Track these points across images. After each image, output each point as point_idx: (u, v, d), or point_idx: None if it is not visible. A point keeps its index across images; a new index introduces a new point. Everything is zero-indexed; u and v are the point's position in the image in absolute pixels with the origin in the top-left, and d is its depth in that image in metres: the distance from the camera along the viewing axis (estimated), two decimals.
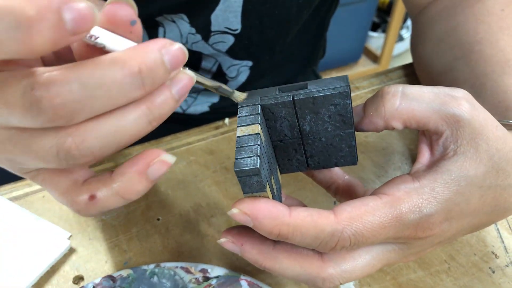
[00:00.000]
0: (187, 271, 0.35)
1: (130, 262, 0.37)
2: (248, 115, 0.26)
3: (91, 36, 0.20)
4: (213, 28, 0.51)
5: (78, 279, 0.36)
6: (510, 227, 0.40)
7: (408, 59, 0.54)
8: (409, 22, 1.93)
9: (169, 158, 0.23)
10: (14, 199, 0.41)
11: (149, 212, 0.41)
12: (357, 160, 0.29)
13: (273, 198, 0.26)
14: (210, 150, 0.46)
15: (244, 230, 0.27)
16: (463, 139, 0.26)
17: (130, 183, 0.23)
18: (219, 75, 0.58)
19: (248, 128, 0.25)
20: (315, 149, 0.28)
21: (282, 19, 0.53)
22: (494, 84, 0.37)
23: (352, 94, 0.53)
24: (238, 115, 0.26)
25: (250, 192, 0.24)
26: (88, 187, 0.24)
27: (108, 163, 0.45)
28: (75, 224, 0.40)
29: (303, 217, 0.24)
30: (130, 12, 0.20)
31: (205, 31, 0.51)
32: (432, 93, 0.26)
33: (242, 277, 0.35)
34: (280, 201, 0.30)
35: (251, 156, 0.24)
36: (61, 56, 0.25)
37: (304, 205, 0.32)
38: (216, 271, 0.35)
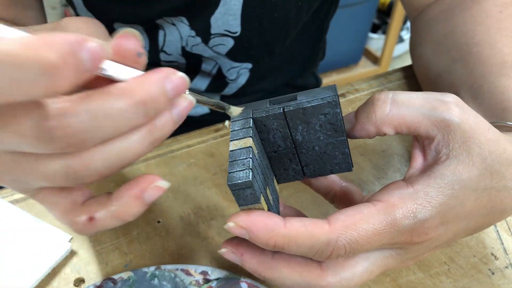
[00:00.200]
0: (188, 273, 0.36)
1: (131, 264, 0.38)
2: (240, 129, 0.27)
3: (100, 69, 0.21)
4: (212, 31, 0.51)
5: (79, 281, 0.37)
6: (509, 229, 0.40)
7: (409, 61, 0.54)
8: (409, 24, 1.93)
9: (164, 184, 0.24)
10: (15, 202, 0.41)
11: (150, 214, 0.41)
12: (352, 166, 0.29)
13: (269, 209, 0.27)
14: (210, 153, 0.47)
15: (243, 241, 0.27)
16: (455, 142, 0.26)
17: (126, 206, 0.24)
18: (219, 77, 0.59)
19: (240, 141, 0.26)
20: (310, 158, 0.29)
21: (282, 21, 0.53)
22: (492, 85, 0.37)
23: (352, 97, 0.53)
24: (230, 129, 0.27)
25: (245, 205, 0.25)
26: (87, 209, 0.25)
27: None
28: None
29: (297, 228, 0.25)
30: (136, 44, 0.21)
31: (205, 33, 0.52)
32: (422, 98, 0.27)
33: (242, 279, 0.35)
34: (278, 211, 0.30)
35: (243, 170, 0.24)
36: None
37: (303, 214, 0.32)
38: (216, 273, 0.36)
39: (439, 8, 0.47)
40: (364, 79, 0.55)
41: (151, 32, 0.53)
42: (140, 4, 0.50)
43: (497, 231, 0.40)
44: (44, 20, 0.53)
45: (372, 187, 0.44)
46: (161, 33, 0.53)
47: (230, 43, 0.53)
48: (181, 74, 0.22)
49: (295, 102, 0.27)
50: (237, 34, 0.52)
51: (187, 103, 0.23)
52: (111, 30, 0.53)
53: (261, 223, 0.25)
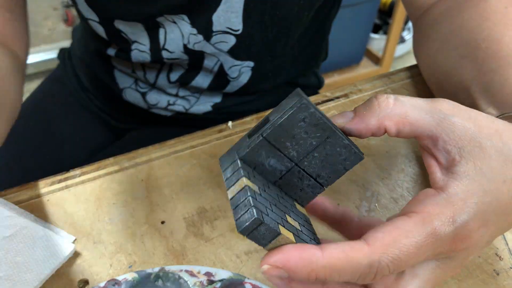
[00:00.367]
0: (192, 274, 0.36)
1: (135, 265, 0.38)
2: (232, 174, 0.26)
3: None
4: (214, 28, 0.51)
5: (83, 282, 0.36)
6: None
7: (410, 61, 0.54)
8: (410, 24, 1.93)
9: None
10: (19, 203, 0.41)
11: (153, 215, 0.41)
12: (362, 154, 0.28)
13: (298, 235, 0.25)
14: (214, 154, 0.47)
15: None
16: (463, 140, 0.26)
17: None
18: (221, 75, 0.59)
19: (235, 186, 0.25)
20: (316, 167, 0.28)
21: (283, 19, 0.53)
22: (502, 78, 0.37)
23: (355, 97, 0.53)
24: (224, 178, 0.26)
25: (269, 243, 0.24)
26: None
27: (112, 166, 0.45)
28: (79, 228, 0.40)
29: (336, 255, 0.23)
30: None
31: (206, 31, 0.52)
32: (423, 100, 0.27)
33: (246, 280, 0.35)
34: (312, 232, 0.29)
35: (247, 211, 0.23)
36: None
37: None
38: (221, 274, 0.36)
39: (444, 6, 0.47)
40: (368, 79, 0.55)
41: (151, 30, 0.53)
42: (141, 1, 0.50)
43: None
44: (25, 35, 0.52)
45: (376, 187, 0.44)
46: (161, 31, 0.53)
47: (232, 40, 0.53)
48: None
49: (270, 123, 0.26)
50: (239, 32, 0.52)
51: None
52: (112, 28, 0.53)
53: (296, 258, 0.23)
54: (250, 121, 0.50)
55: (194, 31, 0.52)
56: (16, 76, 0.47)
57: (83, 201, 0.42)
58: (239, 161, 0.26)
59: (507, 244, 0.39)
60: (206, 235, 0.40)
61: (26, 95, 0.49)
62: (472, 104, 0.39)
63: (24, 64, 0.52)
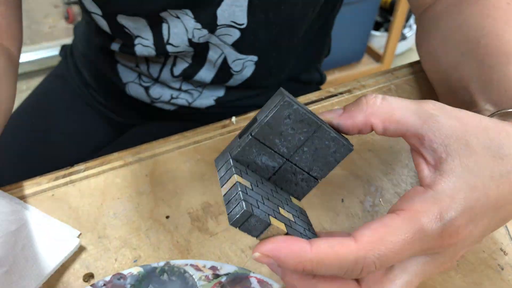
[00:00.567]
0: (197, 268, 0.36)
1: (140, 260, 0.38)
2: (225, 173, 0.27)
3: None
4: (219, 22, 0.51)
5: (88, 276, 0.37)
6: None
7: (411, 58, 0.54)
8: (411, 21, 1.93)
9: None
10: (23, 197, 0.41)
11: (158, 210, 0.41)
12: (352, 146, 0.29)
13: (291, 226, 0.26)
14: (217, 149, 0.47)
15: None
16: (449, 138, 0.26)
17: None
18: (224, 68, 0.59)
19: (227, 183, 0.26)
20: (307, 161, 0.29)
21: (288, 14, 0.53)
22: (501, 74, 0.37)
23: (359, 92, 0.53)
24: (218, 177, 0.27)
25: (260, 233, 0.25)
26: None
27: (117, 161, 0.45)
28: (84, 222, 0.40)
29: (324, 250, 0.24)
30: None
31: (211, 25, 0.52)
32: (410, 101, 0.28)
33: (251, 274, 0.35)
34: (307, 222, 0.29)
35: (237, 204, 0.24)
36: None
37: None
38: (226, 268, 0.36)
39: (446, 3, 0.47)
40: (371, 75, 0.55)
41: (154, 25, 0.53)
42: None
43: (506, 226, 0.40)
44: (19, 31, 0.52)
45: (380, 182, 0.44)
46: (165, 26, 0.53)
47: (236, 34, 0.53)
48: None
49: (257, 123, 0.27)
50: (244, 26, 0.52)
51: None
52: (115, 22, 0.53)
53: (286, 249, 0.24)
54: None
55: (199, 25, 0.52)
56: (9, 74, 0.47)
57: (87, 196, 0.42)
58: (231, 160, 0.27)
59: (511, 239, 0.39)
60: (211, 229, 0.40)
61: (27, 92, 0.49)
62: (471, 101, 0.40)
63: (17, 60, 0.51)
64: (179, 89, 0.63)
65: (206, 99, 0.64)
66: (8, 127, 0.46)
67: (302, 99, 0.53)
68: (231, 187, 0.26)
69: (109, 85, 0.67)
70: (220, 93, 0.64)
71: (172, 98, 0.64)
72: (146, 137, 0.52)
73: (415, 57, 0.54)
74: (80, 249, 0.38)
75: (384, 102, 0.28)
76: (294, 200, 0.30)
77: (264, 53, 0.58)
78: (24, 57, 1.65)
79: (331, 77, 1.75)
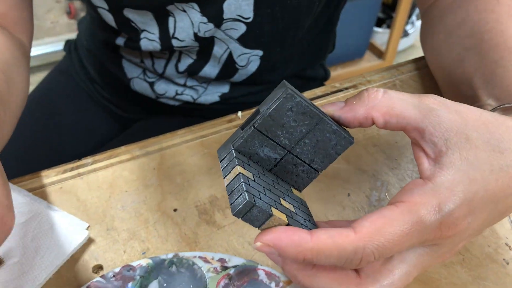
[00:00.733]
0: (205, 260, 0.36)
1: (148, 252, 0.38)
2: (228, 164, 0.27)
3: None
4: (225, 15, 0.51)
5: (97, 268, 0.37)
6: None
7: (414, 55, 0.55)
8: (414, 18, 1.93)
9: None
10: (32, 190, 0.42)
11: (166, 203, 0.41)
12: (353, 138, 0.30)
13: (292, 217, 0.27)
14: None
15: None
16: (450, 132, 0.26)
17: None
18: (230, 63, 0.59)
19: (230, 174, 0.26)
20: (309, 153, 0.29)
21: (294, 9, 0.53)
22: (504, 69, 0.38)
23: (364, 88, 0.53)
24: (221, 168, 0.28)
25: (262, 224, 0.25)
26: None
27: (124, 155, 0.45)
28: (92, 215, 0.40)
29: (324, 240, 0.24)
30: None
31: (217, 19, 0.52)
32: (411, 95, 0.28)
33: (259, 266, 0.36)
34: (308, 214, 0.30)
35: (240, 195, 0.25)
36: None
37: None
38: (234, 260, 0.36)
39: None
40: (376, 71, 0.55)
41: (160, 19, 0.53)
42: None
43: (511, 221, 0.41)
44: (30, 22, 0.52)
45: (386, 177, 0.44)
46: (171, 20, 0.53)
47: (242, 28, 0.53)
48: None
49: (260, 115, 0.27)
50: (250, 20, 0.52)
51: None
52: (121, 16, 0.54)
53: (287, 239, 0.25)
54: None
55: (205, 19, 0.52)
56: (22, 64, 0.47)
57: (95, 188, 0.42)
58: (234, 152, 0.27)
59: None
60: (218, 222, 0.40)
61: (30, 87, 0.49)
62: (473, 95, 0.40)
63: (29, 51, 0.52)
64: (184, 85, 0.63)
65: (211, 95, 0.64)
66: None
67: (308, 94, 0.53)
68: (233, 178, 0.26)
69: (114, 80, 0.68)
70: (225, 89, 0.64)
71: (177, 94, 0.64)
72: (151, 131, 0.52)
73: (417, 53, 0.54)
74: (89, 241, 0.38)
75: (386, 96, 0.28)
76: (295, 191, 0.31)
77: (269, 47, 0.58)
78: None
79: (333, 73, 1.75)
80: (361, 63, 1.86)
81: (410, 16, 1.88)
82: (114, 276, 0.35)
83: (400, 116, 0.27)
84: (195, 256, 0.36)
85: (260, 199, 0.25)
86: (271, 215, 0.25)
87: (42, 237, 0.37)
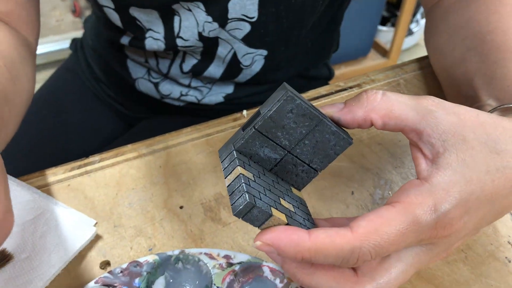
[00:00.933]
0: (211, 257, 0.36)
1: (154, 248, 0.39)
2: (229, 164, 0.28)
3: None
4: (230, 15, 0.52)
5: (105, 264, 0.37)
6: None
7: (418, 53, 0.55)
8: (418, 16, 1.93)
9: None
10: (40, 187, 0.42)
11: (172, 200, 0.42)
12: (351, 139, 0.30)
13: (291, 217, 0.28)
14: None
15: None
16: (447, 133, 0.27)
17: None
18: (234, 63, 0.59)
19: (231, 175, 0.27)
20: (308, 153, 0.30)
21: (298, 8, 0.54)
22: (504, 69, 0.38)
23: (368, 87, 0.54)
24: (222, 168, 0.28)
25: (262, 224, 0.26)
26: None
27: (131, 153, 0.46)
28: (99, 212, 0.41)
29: (322, 239, 0.25)
30: None
31: (222, 19, 0.52)
32: (410, 96, 0.28)
33: (264, 263, 0.36)
34: (307, 212, 0.31)
35: (240, 196, 0.25)
36: None
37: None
38: (239, 257, 0.36)
39: None
40: (381, 70, 0.56)
41: (166, 18, 0.54)
42: None
43: None
44: (37, 20, 0.53)
45: (389, 176, 0.44)
46: (176, 19, 0.53)
47: (246, 28, 0.54)
48: None
49: (260, 116, 0.28)
50: (254, 19, 0.52)
51: None
52: (127, 15, 0.54)
53: (286, 239, 0.25)
54: None
55: (209, 19, 0.52)
56: (29, 63, 0.48)
57: (102, 186, 0.43)
58: (235, 152, 0.28)
59: None
60: (224, 220, 0.41)
61: (36, 85, 0.50)
62: (474, 96, 0.40)
63: (35, 50, 0.52)
64: (189, 86, 0.64)
65: (215, 95, 0.65)
66: None
67: (312, 93, 0.53)
68: (234, 179, 0.26)
69: (119, 80, 0.68)
70: (229, 89, 0.65)
71: (181, 95, 0.65)
72: (155, 131, 0.53)
73: (421, 52, 0.54)
74: (97, 238, 0.39)
75: (384, 98, 0.28)
76: (294, 191, 0.31)
77: (274, 47, 0.58)
78: None
79: (337, 72, 1.75)
80: (366, 62, 1.86)
81: (414, 14, 1.87)
82: (121, 272, 0.36)
83: (399, 118, 0.28)
84: (200, 253, 0.37)
85: (260, 199, 0.26)
86: (271, 215, 0.26)
87: (50, 233, 0.38)
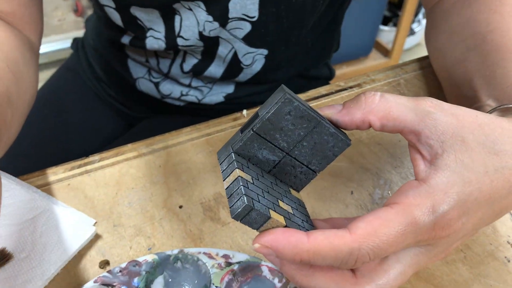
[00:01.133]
0: (210, 256, 0.37)
1: (154, 248, 0.39)
2: (227, 167, 0.28)
3: None
4: (230, 15, 0.52)
5: (104, 263, 0.38)
6: None
7: (420, 53, 0.55)
8: (420, 16, 1.92)
9: None
10: (40, 186, 0.43)
11: (171, 200, 0.42)
12: (349, 140, 0.30)
13: (290, 219, 0.28)
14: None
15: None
16: (445, 134, 0.27)
17: None
18: (235, 62, 0.59)
19: (230, 177, 0.27)
20: (306, 155, 0.30)
21: (299, 8, 0.54)
22: (504, 70, 0.38)
23: (368, 87, 0.54)
24: (221, 170, 0.28)
25: (260, 226, 0.26)
26: None
27: (131, 152, 0.46)
28: (99, 211, 0.41)
29: (320, 241, 0.25)
30: None
31: (222, 18, 0.52)
32: (408, 98, 0.28)
33: (263, 263, 0.36)
34: (306, 214, 0.31)
35: (239, 199, 0.25)
36: None
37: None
38: (238, 256, 0.37)
39: None
40: (381, 70, 0.56)
41: (167, 17, 0.54)
42: None
43: None
44: (40, 20, 0.53)
45: (389, 175, 0.44)
46: (177, 18, 0.54)
47: (247, 27, 0.54)
48: None
49: (259, 118, 0.28)
50: (255, 19, 0.52)
51: None
52: (128, 14, 0.54)
53: (284, 241, 0.25)
54: None
55: (210, 18, 0.52)
56: (31, 63, 0.48)
57: (102, 185, 0.43)
58: (233, 154, 0.28)
59: None
60: (223, 219, 0.41)
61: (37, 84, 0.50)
62: (474, 96, 0.40)
63: (38, 50, 0.53)
64: (189, 86, 0.64)
65: (216, 95, 0.65)
66: None
67: (312, 93, 0.53)
68: (233, 181, 0.27)
69: (119, 79, 0.68)
70: (230, 89, 0.65)
71: (182, 95, 0.65)
72: (156, 130, 0.53)
73: (423, 52, 0.54)
74: (96, 237, 0.39)
75: (382, 100, 0.28)
76: (293, 192, 0.31)
77: (274, 46, 0.58)
78: None
79: (339, 71, 1.75)
80: (367, 62, 1.85)
81: (416, 14, 1.87)
82: (120, 271, 0.36)
83: (397, 119, 0.28)
84: (199, 252, 0.37)
85: (259, 202, 0.26)
86: (269, 217, 0.26)
87: (50, 233, 0.38)
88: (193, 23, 0.53)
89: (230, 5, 0.51)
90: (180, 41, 0.56)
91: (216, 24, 0.53)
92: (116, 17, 0.56)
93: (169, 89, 0.64)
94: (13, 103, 0.40)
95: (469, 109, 0.28)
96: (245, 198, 0.25)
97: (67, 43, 1.82)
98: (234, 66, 0.60)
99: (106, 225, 0.40)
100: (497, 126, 0.27)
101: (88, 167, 0.45)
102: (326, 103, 0.52)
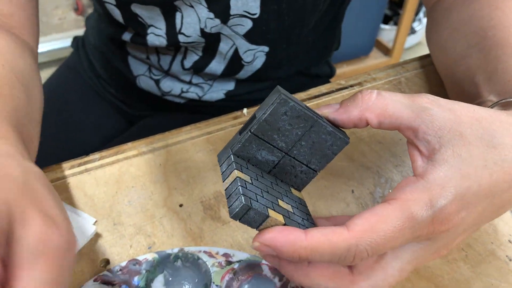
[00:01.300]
0: (210, 255, 0.36)
1: (154, 246, 0.39)
2: (226, 168, 0.28)
3: None
4: (232, 12, 0.52)
5: (104, 262, 0.37)
6: None
7: (420, 52, 0.55)
8: (421, 15, 1.92)
9: None
10: None
11: (171, 198, 0.42)
12: (348, 138, 0.30)
13: (289, 217, 0.28)
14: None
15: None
16: (443, 130, 0.27)
17: None
18: (235, 59, 0.59)
19: (229, 178, 0.27)
20: (306, 154, 0.30)
21: (300, 7, 0.54)
22: (505, 65, 0.38)
23: (369, 85, 0.54)
24: (220, 172, 0.29)
25: (259, 225, 0.26)
26: None
27: (131, 151, 0.46)
28: (99, 210, 0.41)
29: (318, 238, 0.25)
30: None
31: (224, 15, 0.52)
32: (404, 95, 0.29)
33: (263, 261, 0.36)
34: (307, 212, 0.31)
35: (237, 198, 0.26)
36: None
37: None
38: (238, 255, 0.36)
39: None
40: (382, 68, 0.56)
41: (168, 14, 0.54)
42: None
43: None
44: (36, 23, 0.52)
45: (390, 174, 0.44)
46: (178, 15, 0.53)
47: (248, 24, 0.54)
48: None
49: (256, 120, 0.28)
50: (256, 16, 0.52)
51: None
52: (128, 11, 0.54)
53: (282, 239, 0.25)
54: None
55: (211, 15, 0.52)
56: (35, 70, 0.47)
57: (102, 184, 0.43)
58: (232, 156, 0.29)
59: None
60: (223, 218, 0.41)
61: None
62: (476, 92, 0.40)
63: (37, 55, 0.52)
64: (190, 83, 0.64)
65: (216, 92, 0.65)
66: None
67: (313, 91, 0.53)
68: (231, 182, 0.27)
69: (120, 77, 0.68)
70: (230, 86, 0.65)
71: (182, 92, 0.65)
72: (156, 128, 0.53)
73: (424, 51, 0.54)
74: (96, 236, 0.39)
75: (379, 97, 0.28)
76: (294, 191, 0.32)
77: (275, 44, 0.58)
78: None
79: (339, 70, 1.75)
80: (368, 60, 1.85)
81: (417, 13, 1.87)
82: (120, 270, 0.36)
83: (393, 116, 0.28)
84: (200, 251, 0.37)
85: (257, 201, 0.26)
86: (267, 216, 0.26)
87: None
88: (194, 20, 0.53)
89: (232, 2, 0.50)
90: (181, 38, 0.55)
91: (217, 21, 0.53)
92: (117, 14, 0.56)
93: (170, 86, 0.64)
94: (30, 116, 0.39)
95: (466, 104, 0.28)
96: (242, 197, 0.25)
97: (68, 42, 1.82)
98: (235, 63, 0.60)
99: (106, 224, 0.40)
100: (496, 120, 0.27)
101: (88, 166, 0.45)
102: (327, 101, 0.52)
